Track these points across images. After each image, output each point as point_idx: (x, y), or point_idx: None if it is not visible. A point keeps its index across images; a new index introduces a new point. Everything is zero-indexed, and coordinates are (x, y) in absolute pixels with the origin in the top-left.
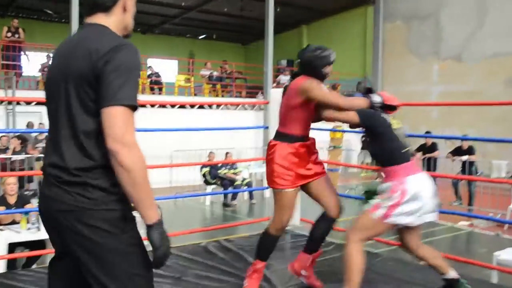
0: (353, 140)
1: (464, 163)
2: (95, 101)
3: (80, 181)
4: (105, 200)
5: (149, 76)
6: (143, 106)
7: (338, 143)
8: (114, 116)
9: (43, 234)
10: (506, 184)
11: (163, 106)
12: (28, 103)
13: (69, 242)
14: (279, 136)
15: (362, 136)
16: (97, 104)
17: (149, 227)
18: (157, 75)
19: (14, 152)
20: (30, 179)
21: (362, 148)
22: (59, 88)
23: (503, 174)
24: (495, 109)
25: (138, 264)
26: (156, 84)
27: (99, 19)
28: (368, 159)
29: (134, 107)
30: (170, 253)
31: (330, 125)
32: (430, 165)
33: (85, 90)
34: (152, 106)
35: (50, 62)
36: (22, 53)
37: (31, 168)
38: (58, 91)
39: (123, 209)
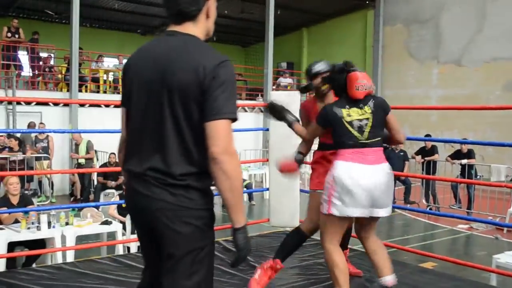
0: None
1: (463, 166)
2: (199, 112)
3: (184, 184)
4: (201, 201)
5: None
6: None
7: None
8: (219, 129)
9: (43, 234)
10: (505, 188)
11: None
12: (28, 103)
13: (163, 236)
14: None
15: None
16: (202, 116)
17: (236, 230)
18: None
19: (11, 150)
20: (29, 179)
21: None
22: (155, 95)
23: (502, 177)
24: (494, 113)
25: (213, 258)
26: None
27: (188, 28)
28: None
29: (235, 120)
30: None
31: None
32: (429, 168)
33: (190, 102)
34: None
35: (129, 65)
36: (20, 52)
37: (31, 168)
38: (153, 98)
39: (212, 209)
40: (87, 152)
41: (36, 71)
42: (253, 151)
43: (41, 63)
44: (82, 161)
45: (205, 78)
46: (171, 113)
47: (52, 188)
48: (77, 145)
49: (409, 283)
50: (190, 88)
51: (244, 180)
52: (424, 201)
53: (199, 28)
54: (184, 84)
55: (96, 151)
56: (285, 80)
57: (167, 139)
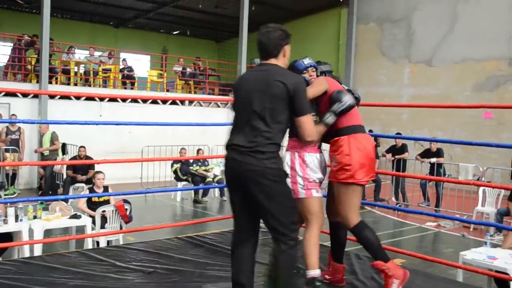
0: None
1: (432, 165)
2: (288, 110)
3: (267, 152)
4: (277, 164)
5: (121, 70)
6: (114, 100)
7: None
8: (305, 122)
9: (9, 227)
10: (473, 186)
11: (135, 101)
12: None
13: (253, 189)
14: None
15: None
16: (292, 113)
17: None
18: (130, 69)
19: None
20: None
21: None
22: (255, 101)
23: (470, 176)
24: (464, 113)
25: (292, 201)
26: (128, 79)
27: (272, 61)
28: None
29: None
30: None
31: None
32: (399, 167)
33: (278, 103)
34: (124, 100)
35: (238, 84)
36: None
37: None
38: (252, 103)
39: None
40: (52, 143)
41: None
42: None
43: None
44: (46, 152)
45: (292, 90)
46: (267, 111)
47: (16, 180)
48: (42, 135)
49: (377, 279)
50: (281, 96)
51: (216, 176)
52: (393, 198)
53: (279, 61)
54: (277, 94)
55: (65, 144)
56: None
57: (258, 126)
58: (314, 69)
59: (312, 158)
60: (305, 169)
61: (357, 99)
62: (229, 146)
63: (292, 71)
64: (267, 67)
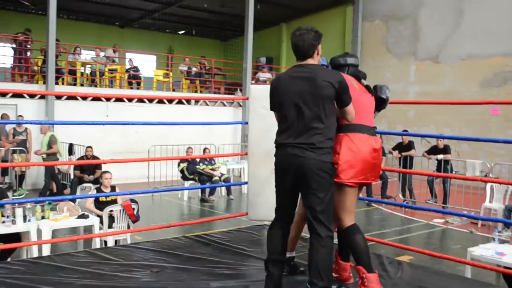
0: None
1: (439, 162)
2: (336, 105)
3: (323, 148)
4: (330, 158)
5: (127, 71)
6: (121, 100)
7: None
8: (349, 111)
9: (18, 227)
10: (480, 182)
11: (141, 100)
12: (3, 95)
13: (308, 178)
14: None
15: None
16: (338, 106)
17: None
18: (136, 69)
19: None
20: (4, 172)
21: None
22: (307, 102)
23: (477, 173)
24: (470, 110)
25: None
26: (134, 79)
27: (309, 61)
28: None
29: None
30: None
31: None
32: (406, 164)
33: (328, 102)
34: (130, 100)
35: (277, 85)
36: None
37: (6, 161)
38: (305, 103)
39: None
40: (49, 146)
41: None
42: (232, 145)
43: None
44: (44, 155)
45: (338, 88)
46: (315, 110)
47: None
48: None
49: (384, 276)
50: (330, 95)
51: (222, 174)
52: (400, 195)
53: (315, 61)
54: (326, 93)
55: (72, 145)
56: (264, 75)
57: (312, 125)
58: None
59: None
60: None
61: (382, 99)
62: (283, 144)
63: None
64: (308, 68)
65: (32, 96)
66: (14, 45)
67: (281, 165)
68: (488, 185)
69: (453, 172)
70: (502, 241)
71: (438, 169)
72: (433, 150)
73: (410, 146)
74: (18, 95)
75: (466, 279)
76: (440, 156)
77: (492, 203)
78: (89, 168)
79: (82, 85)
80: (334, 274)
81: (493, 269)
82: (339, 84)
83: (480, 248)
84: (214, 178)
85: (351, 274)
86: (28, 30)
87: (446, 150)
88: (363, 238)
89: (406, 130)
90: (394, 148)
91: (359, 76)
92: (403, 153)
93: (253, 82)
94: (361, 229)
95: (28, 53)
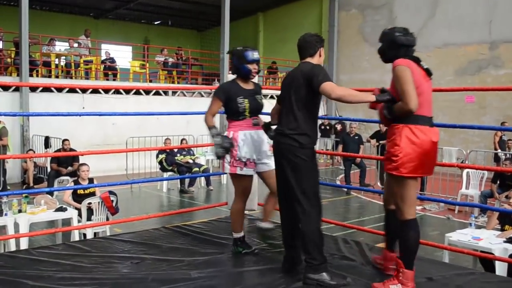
0: None
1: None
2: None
3: (297, 133)
4: (306, 144)
5: (103, 62)
6: (97, 92)
7: None
8: (326, 86)
9: None
10: (456, 170)
11: (117, 92)
12: None
13: (284, 163)
14: None
15: (320, 125)
16: (313, 90)
17: (378, 100)
18: (112, 60)
19: None
20: None
21: (321, 136)
22: (288, 92)
23: (454, 160)
24: (446, 98)
25: (315, 179)
26: (110, 70)
27: (308, 59)
28: (329, 146)
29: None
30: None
31: None
32: (384, 151)
33: (303, 90)
34: (106, 92)
35: (284, 80)
36: None
37: None
38: (288, 93)
39: (313, 149)
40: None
41: None
42: (210, 136)
43: None
44: None
45: (308, 76)
46: (292, 99)
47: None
48: None
49: (364, 262)
50: (302, 84)
51: (202, 165)
52: (379, 183)
53: (314, 60)
54: (300, 83)
55: (48, 138)
56: None
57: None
58: (257, 65)
59: (244, 136)
60: (234, 147)
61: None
62: (276, 130)
63: (239, 57)
64: (300, 64)
65: (5, 88)
66: None
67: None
68: (465, 172)
69: None
70: (478, 227)
71: None
72: (376, 135)
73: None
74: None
75: (445, 264)
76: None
77: (468, 190)
78: (66, 161)
79: (57, 77)
80: (378, 261)
81: (470, 253)
82: (308, 72)
83: (457, 233)
84: (194, 169)
85: (392, 266)
86: None
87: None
88: (418, 236)
89: None
90: (372, 137)
91: (419, 58)
92: (381, 141)
93: (230, 72)
94: (340, 217)
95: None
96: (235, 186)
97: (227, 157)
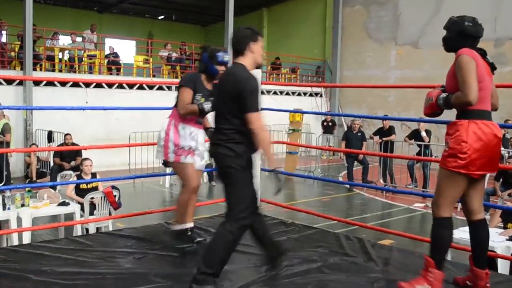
0: (313, 124)
1: (420, 146)
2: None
3: (234, 142)
4: (242, 153)
5: (106, 56)
6: (100, 86)
7: (297, 126)
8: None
9: None
10: None
11: (121, 86)
12: None
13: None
14: None
15: (323, 121)
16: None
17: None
18: (115, 55)
19: None
20: None
21: (324, 132)
22: (221, 98)
23: None
24: None
25: (247, 178)
26: (113, 65)
27: (239, 59)
28: (331, 143)
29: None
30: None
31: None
32: (387, 149)
33: (234, 101)
34: (110, 86)
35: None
36: None
37: None
38: (222, 98)
39: (250, 158)
40: (2, 134)
41: None
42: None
43: None
44: None
45: (238, 86)
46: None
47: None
48: None
49: (364, 259)
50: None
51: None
52: (381, 180)
53: (246, 59)
54: (229, 92)
55: (51, 132)
56: None
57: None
58: (225, 67)
59: (186, 130)
60: (177, 137)
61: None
62: (212, 136)
63: (210, 56)
64: (232, 66)
65: (9, 82)
66: None
67: None
68: None
69: (433, 157)
70: None
71: (419, 154)
72: (414, 135)
73: (390, 131)
74: None
75: (446, 261)
76: (423, 134)
77: None
78: (69, 156)
79: (60, 71)
80: (468, 283)
81: None
82: (240, 87)
83: (459, 231)
84: None
85: (488, 284)
86: None
87: (390, 131)
88: (451, 236)
89: (386, 115)
90: (375, 133)
91: (485, 51)
92: (384, 138)
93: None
94: (342, 213)
95: (4, 39)
96: (181, 176)
97: (171, 145)
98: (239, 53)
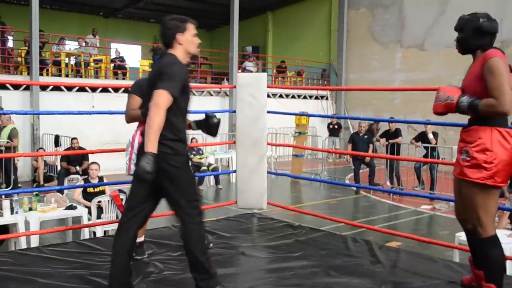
0: (319, 126)
1: (427, 148)
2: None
3: (171, 139)
4: (181, 151)
5: (112, 61)
6: (107, 91)
7: (303, 129)
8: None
9: (5, 219)
10: None
11: (127, 90)
12: None
13: (160, 177)
14: None
15: (329, 124)
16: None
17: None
18: (121, 59)
19: None
20: None
21: (330, 135)
22: (149, 90)
23: None
24: None
25: (193, 185)
26: (119, 69)
27: (170, 51)
28: (337, 145)
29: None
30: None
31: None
32: (393, 151)
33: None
34: (116, 91)
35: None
36: None
37: None
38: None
39: (187, 156)
40: (10, 139)
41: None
42: (219, 135)
43: None
44: (1, 148)
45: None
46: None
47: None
48: (2, 128)
49: (371, 261)
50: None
51: (211, 164)
52: (388, 183)
53: (176, 50)
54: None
55: (58, 136)
56: (250, 64)
57: None
58: None
59: None
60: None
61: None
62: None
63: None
64: (165, 57)
65: (16, 87)
66: None
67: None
68: None
69: (440, 159)
70: None
71: (425, 156)
72: (421, 137)
73: (397, 133)
74: (2, 86)
75: (455, 263)
76: (430, 136)
77: None
78: (76, 159)
79: (67, 76)
80: (473, 284)
81: None
82: (160, 70)
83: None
84: (202, 168)
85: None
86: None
87: (396, 133)
88: (503, 252)
89: (392, 118)
90: (381, 136)
91: (502, 50)
92: (390, 141)
93: (239, 71)
94: (349, 216)
95: (10, 44)
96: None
97: (134, 157)
98: (168, 46)
